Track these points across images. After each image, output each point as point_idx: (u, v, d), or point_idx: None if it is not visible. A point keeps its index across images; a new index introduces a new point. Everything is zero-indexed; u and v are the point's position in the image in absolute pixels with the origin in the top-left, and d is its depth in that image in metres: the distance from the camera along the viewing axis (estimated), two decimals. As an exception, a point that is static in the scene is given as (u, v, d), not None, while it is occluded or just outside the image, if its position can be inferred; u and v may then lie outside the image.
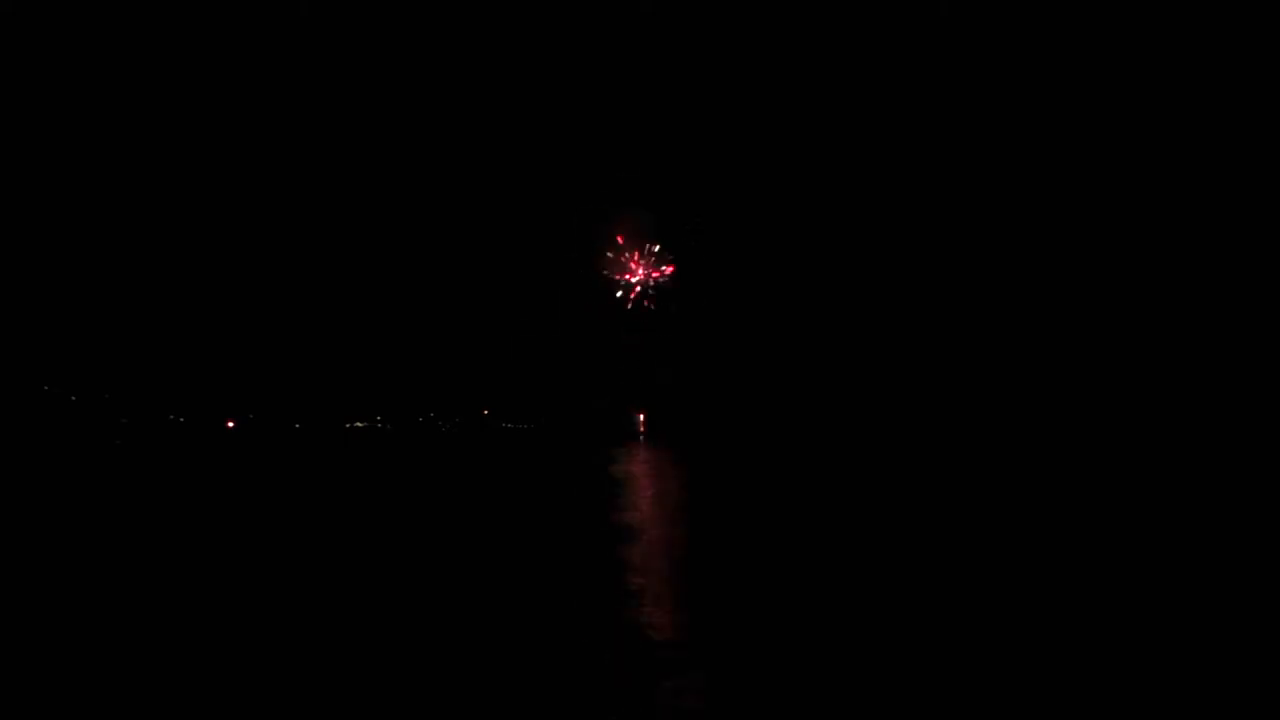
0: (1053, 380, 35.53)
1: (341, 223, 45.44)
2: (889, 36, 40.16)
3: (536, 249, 46.95)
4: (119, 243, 43.84)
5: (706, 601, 5.89)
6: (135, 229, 44.05)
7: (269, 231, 45.16)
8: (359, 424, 46.55)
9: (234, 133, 44.32)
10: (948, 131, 39.86)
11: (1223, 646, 4.76)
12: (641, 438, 45.54)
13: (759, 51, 44.15)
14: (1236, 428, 27.19)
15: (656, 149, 47.86)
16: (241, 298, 45.18)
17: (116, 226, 43.74)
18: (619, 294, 48.64)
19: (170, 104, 43.92)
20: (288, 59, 44.88)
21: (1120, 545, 8.14)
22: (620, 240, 49.46)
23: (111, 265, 43.73)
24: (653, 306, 49.36)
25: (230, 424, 45.84)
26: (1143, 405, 31.31)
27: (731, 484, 16.52)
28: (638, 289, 48.74)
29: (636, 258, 48.70)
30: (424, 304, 45.60)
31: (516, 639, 4.94)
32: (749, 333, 47.82)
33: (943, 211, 39.52)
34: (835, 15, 41.17)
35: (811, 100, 44.60)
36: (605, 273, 48.34)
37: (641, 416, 48.16)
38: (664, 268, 49.50)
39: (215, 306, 45.01)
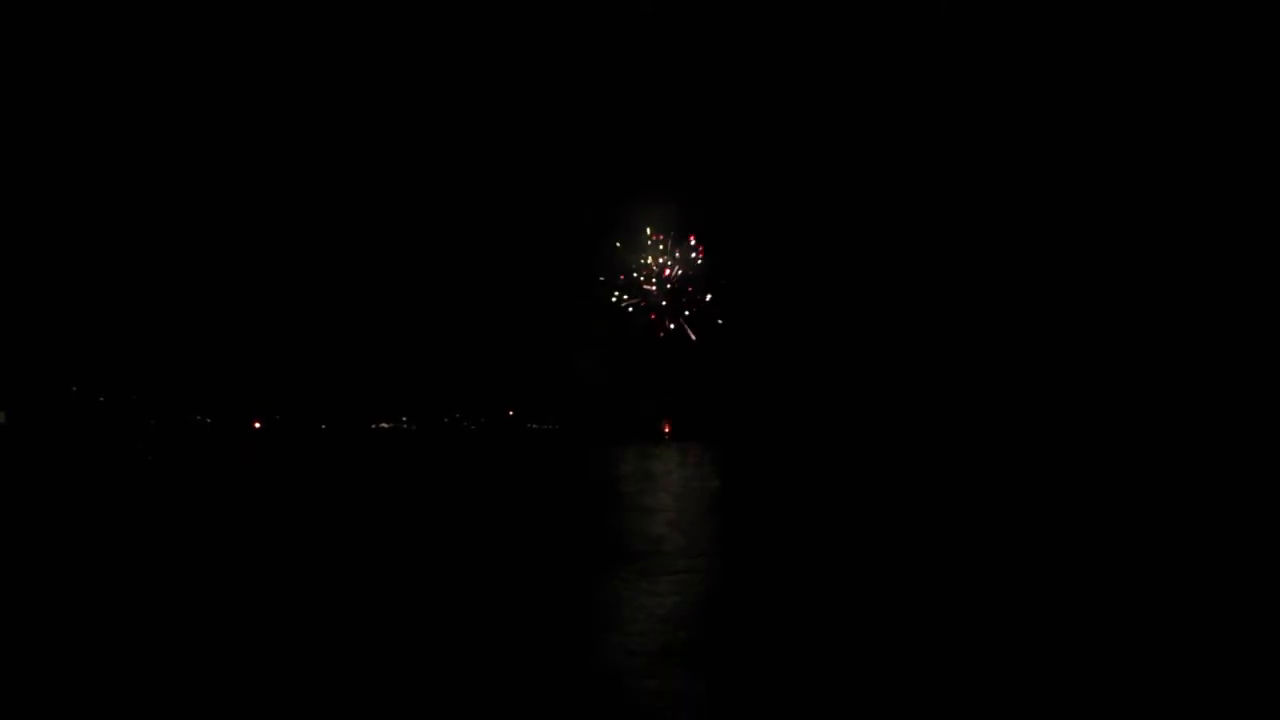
0: (1056, 380, 35.36)
1: (367, 225, 45.12)
2: (892, 34, 39.69)
3: (562, 247, 46.44)
4: (147, 245, 43.83)
5: (715, 606, 5.94)
6: (163, 230, 44.03)
7: (295, 233, 44.94)
8: (385, 424, 46.16)
9: (259, 134, 44.19)
10: (956, 130, 39.49)
11: (1222, 646, 4.80)
12: (667, 438, 44.75)
13: (761, 51, 43.84)
14: (1236, 428, 26.99)
15: (674, 145, 47.56)
16: (268, 299, 45.01)
17: (145, 228, 43.74)
18: (645, 291, 48.04)
19: (197, 107, 43.89)
20: (316, 61, 44.74)
21: (1120, 545, 8.29)
22: (651, 238, 48.96)
23: (139, 267, 43.73)
24: (680, 318, 48.76)
25: (257, 425, 45.63)
26: (1142, 405, 31.25)
27: (751, 484, 16.64)
28: (663, 290, 48.12)
29: (661, 258, 48.06)
30: (449, 304, 45.18)
31: (517, 639, 4.97)
32: (775, 334, 47.08)
33: (955, 211, 39.10)
34: (843, 13, 40.73)
35: (819, 100, 44.30)
36: (633, 275, 47.73)
37: (667, 419, 47.35)
38: (689, 265, 48.86)
39: (242, 308, 44.88)
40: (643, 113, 45.85)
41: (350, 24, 43.81)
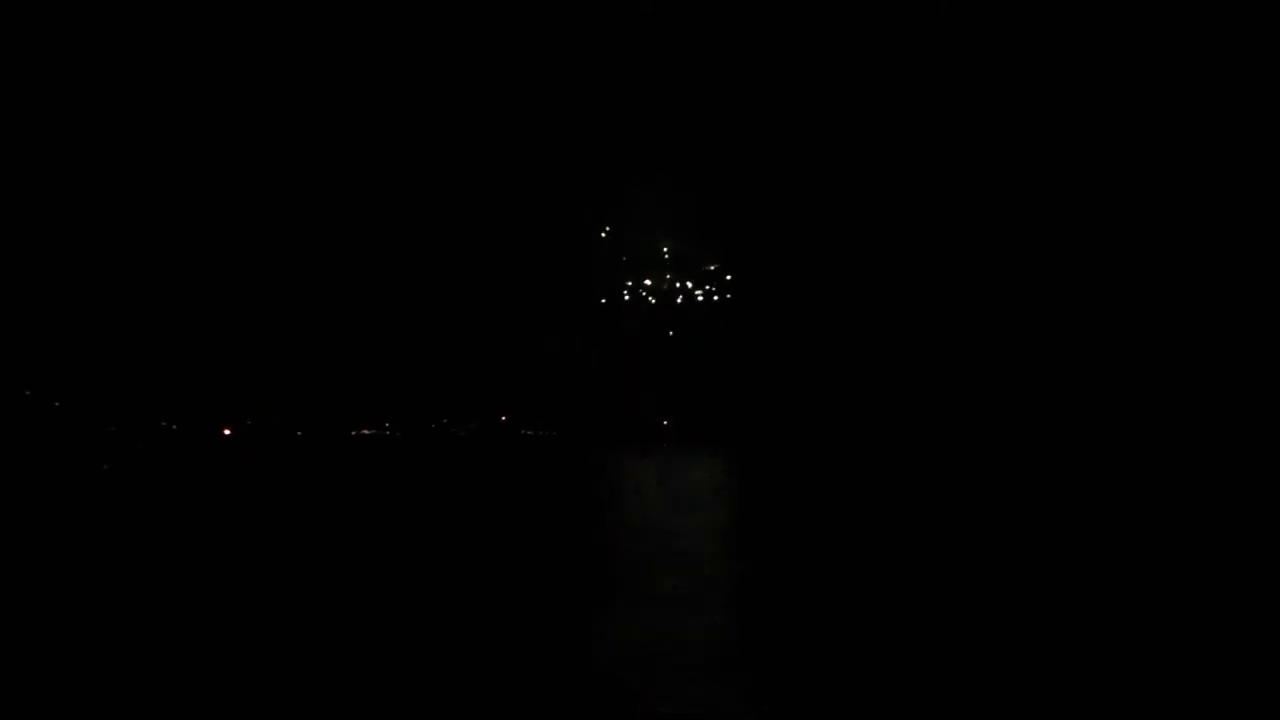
0: (1057, 382, 35.00)
1: (345, 215, 42.46)
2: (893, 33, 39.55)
3: (556, 246, 44.59)
4: (105, 236, 40.82)
5: (723, 605, 6.24)
6: (123, 221, 41.08)
7: (267, 225, 42.18)
8: (366, 431, 43.21)
9: (227, 124, 41.59)
10: (957, 129, 39.11)
11: (1222, 647, 4.86)
12: (668, 443, 42.62)
13: (764, 50, 43.06)
14: (1236, 428, 27.33)
15: (670, 145, 46.27)
16: (238, 296, 42.13)
17: (102, 218, 40.76)
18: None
19: (160, 100, 41.29)
20: (287, 58, 42.29)
21: (1120, 546, 8.45)
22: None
23: (98, 260, 40.68)
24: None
25: (227, 431, 42.55)
26: (1141, 406, 31.14)
27: (756, 488, 17.03)
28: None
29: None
30: (436, 302, 42.53)
31: (519, 641, 5.19)
32: (779, 334, 45.76)
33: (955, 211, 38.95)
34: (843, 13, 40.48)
35: (821, 100, 43.41)
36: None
37: (667, 421, 45.27)
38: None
39: (210, 306, 41.94)
40: (641, 110, 44.80)
41: (341, 19, 41.65)
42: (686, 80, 44.18)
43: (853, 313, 43.25)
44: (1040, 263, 36.97)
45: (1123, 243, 34.21)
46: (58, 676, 4.25)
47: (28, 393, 41.54)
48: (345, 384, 42.43)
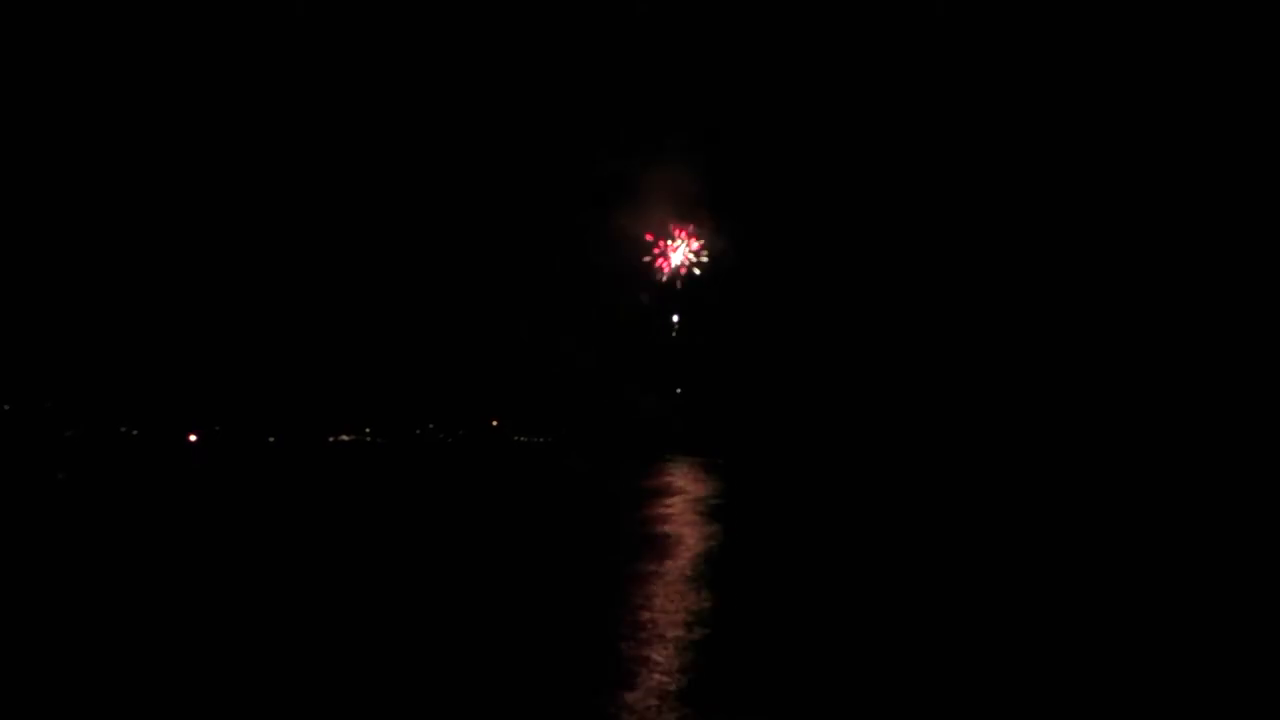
0: (1056, 381, 34.90)
1: (325, 212, 39.82)
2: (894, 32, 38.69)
3: (549, 243, 42.41)
4: (64, 232, 37.93)
5: (715, 605, 5.89)
6: (86, 218, 38.23)
7: (239, 222, 39.45)
8: (345, 437, 40.42)
9: (196, 126, 39.03)
10: (957, 128, 38.25)
11: (1223, 646, 4.71)
12: (668, 447, 40.33)
13: (765, 48, 42.03)
14: (1236, 428, 27.21)
15: (665, 144, 44.85)
16: (205, 294, 39.33)
17: (63, 214, 37.88)
18: (655, 278, 44.33)
19: (132, 96, 38.70)
20: (260, 49, 39.87)
21: (1120, 545, 8.36)
22: (649, 236, 46.01)
23: (53, 257, 37.75)
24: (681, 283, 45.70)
25: (193, 438, 39.70)
26: (1141, 405, 31.23)
27: (756, 492, 16.42)
28: (679, 269, 44.77)
29: (675, 235, 44.68)
30: (423, 302, 39.94)
31: (517, 642, 5.01)
32: (782, 334, 44.07)
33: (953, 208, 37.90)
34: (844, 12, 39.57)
35: (821, 99, 42.47)
36: (645, 258, 44.02)
37: (665, 427, 43.04)
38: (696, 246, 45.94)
39: (175, 304, 39.12)
40: (632, 111, 43.44)
41: (333, 18, 39.46)
42: (677, 87, 43.26)
43: (854, 318, 41.83)
44: (1040, 263, 36.16)
45: (1134, 239, 33.57)
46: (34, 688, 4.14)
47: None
48: (322, 387, 39.77)
